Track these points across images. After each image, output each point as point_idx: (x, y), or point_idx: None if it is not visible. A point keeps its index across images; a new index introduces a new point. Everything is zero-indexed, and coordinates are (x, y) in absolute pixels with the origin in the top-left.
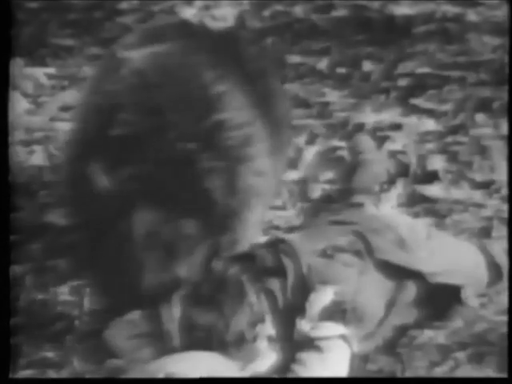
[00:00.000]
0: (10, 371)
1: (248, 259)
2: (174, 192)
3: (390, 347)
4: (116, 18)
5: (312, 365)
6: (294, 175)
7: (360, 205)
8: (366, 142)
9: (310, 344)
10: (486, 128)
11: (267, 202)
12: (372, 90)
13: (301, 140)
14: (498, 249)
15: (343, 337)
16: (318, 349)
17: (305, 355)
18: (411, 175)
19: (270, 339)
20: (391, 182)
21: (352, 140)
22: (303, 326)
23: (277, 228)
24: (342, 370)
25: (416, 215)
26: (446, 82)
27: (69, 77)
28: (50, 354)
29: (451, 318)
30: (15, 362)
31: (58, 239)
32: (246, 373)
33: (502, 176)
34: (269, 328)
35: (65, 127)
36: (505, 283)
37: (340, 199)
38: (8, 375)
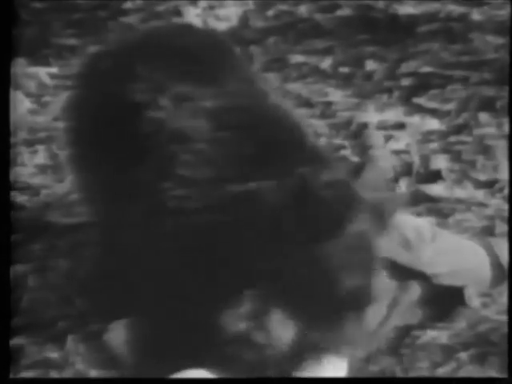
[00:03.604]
0: (10, 372)
1: None
2: None
3: (393, 348)
4: (120, 18)
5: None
6: None
7: None
8: (374, 138)
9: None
10: (490, 127)
11: None
12: (375, 90)
13: None
14: (503, 249)
15: None
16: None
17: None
18: (414, 174)
19: None
20: (395, 181)
21: (359, 137)
22: None
23: None
24: (341, 371)
25: (419, 214)
26: (450, 82)
27: (72, 77)
28: (52, 355)
29: (454, 319)
30: (17, 362)
31: (59, 238)
32: None
33: (505, 175)
34: None
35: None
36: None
37: None
38: (8, 375)
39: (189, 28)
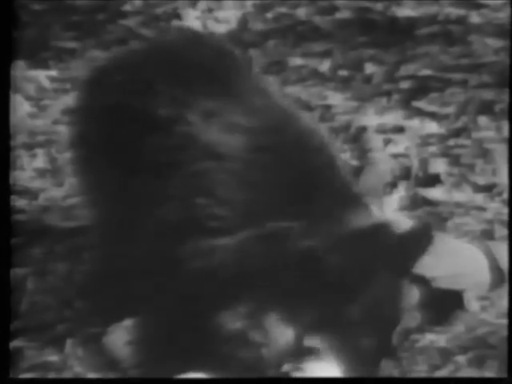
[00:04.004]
0: (9, 374)
1: None
2: None
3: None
4: (119, 21)
5: (310, 369)
6: None
7: None
8: (373, 141)
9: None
10: (489, 131)
11: None
12: (374, 93)
13: None
14: (502, 252)
15: None
16: (315, 352)
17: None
18: (413, 178)
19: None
20: (393, 184)
21: (359, 141)
22: None
23: None
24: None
25: (418, 218)
26: (449, 85)
27: (71, 80)
28: (51, 358)
29: (453, 323)
30: (17, 365)
31: (59, 242)
32: None
33: (504, 179)
34: None
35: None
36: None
37: None
38: (8, 376)
39: (199, 38)
